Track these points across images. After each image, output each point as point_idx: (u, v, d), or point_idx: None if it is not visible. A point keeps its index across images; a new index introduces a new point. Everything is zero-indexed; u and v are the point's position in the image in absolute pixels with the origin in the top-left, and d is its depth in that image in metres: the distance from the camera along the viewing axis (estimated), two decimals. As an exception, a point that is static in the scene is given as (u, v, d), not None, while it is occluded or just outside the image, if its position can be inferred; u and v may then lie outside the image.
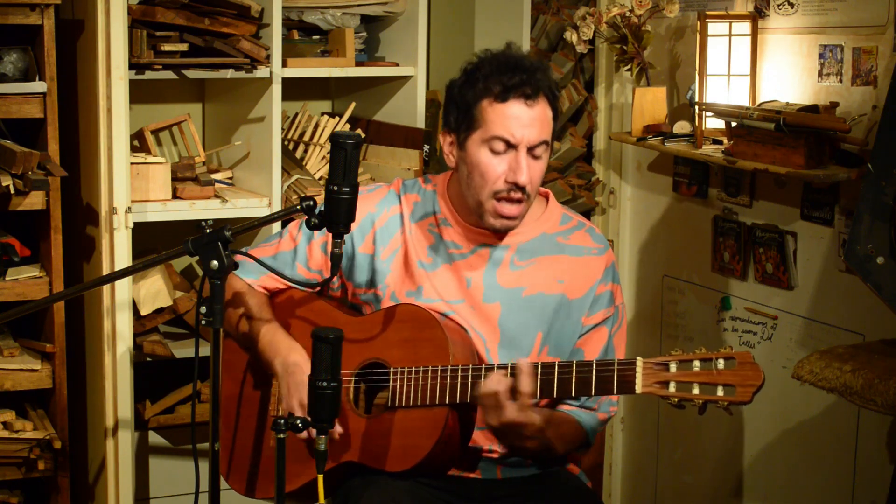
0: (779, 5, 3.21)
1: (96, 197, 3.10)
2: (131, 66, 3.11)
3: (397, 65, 3.58)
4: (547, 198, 2.62)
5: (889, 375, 2.58)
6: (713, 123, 3.32)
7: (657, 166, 3.71)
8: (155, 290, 3.34)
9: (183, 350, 3.38)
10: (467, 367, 2.39)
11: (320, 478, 2.23)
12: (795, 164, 2.97)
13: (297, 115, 3.73)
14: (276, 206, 3.33)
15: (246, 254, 2.47)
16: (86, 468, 3.38)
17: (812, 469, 3.23)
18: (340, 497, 2.50)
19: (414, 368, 2.42)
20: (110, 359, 3.12)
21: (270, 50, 3.29)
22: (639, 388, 2.28)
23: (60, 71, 3.12)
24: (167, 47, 3.19)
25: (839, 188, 3.07)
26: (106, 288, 3.10)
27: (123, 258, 3.09)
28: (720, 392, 2.21)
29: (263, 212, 3.32)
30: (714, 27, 3.24)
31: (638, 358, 2.29)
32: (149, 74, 3.20)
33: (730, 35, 3.25)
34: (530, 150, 2.43)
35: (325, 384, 2.20)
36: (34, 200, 3.08)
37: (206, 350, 2.28)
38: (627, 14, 3.47)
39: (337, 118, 3.64)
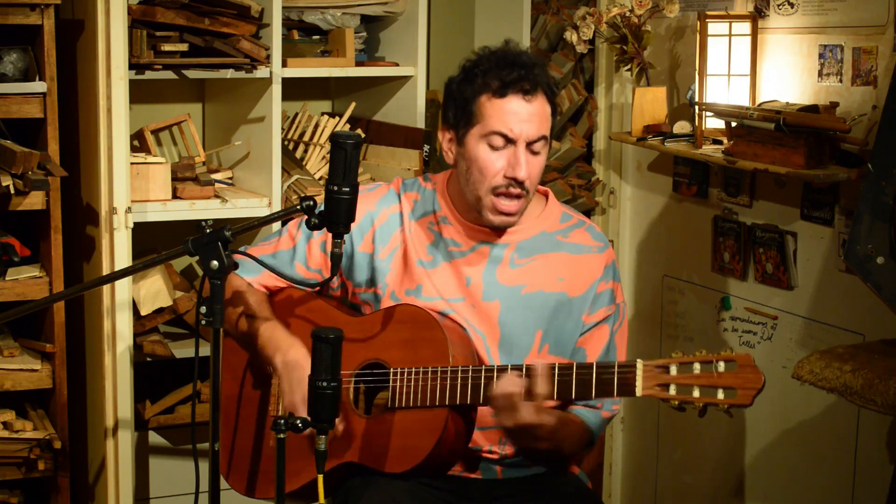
0: (779, 5, 3.21)
1: (96, 197, 3.10)
2: (131, 66, 3.11)
3: (397, 65, 3.58)
4: (546, 196, 2.62)
5: (889, 375, 2.58)
6: (713, 123, 3.32)
7: (657, 166, 3.71)
8: (155, 290, 3.34)
9: (183, 350, 3.38)
10: (467, 367, 2.39)
11: (320, 478, 2.23)
12: (795, 164, 2.97)
13: (297, 115, 3.74)
14: (276, 206, 3.33)
15: (245, 253, 2.47)
16: (86, 468, 3.38)
17: (812, 469, 3.23)
18: (340, 497, 2.50)
19: (414, 369, 2.42)
20: (110, 359, 3.12)
21: (270, 50, 3.29)
22: (639, 391, 2.28)
23: (60, 71, 3.12)
24: (167, 47, 3.19)
25: (839, 188, 3.07)
26: (106, 288, 3.10)
27: (123, 258, 3.09)
28: (721, 395, 2.21)
29: (263, 212, 3.32)
30: (714, 27, 3.24)
31: (638, 360, 2.29)
32: (149, 74, 3.20)
33: (730, 35, 3.25)
34: (529, 145, 2.43)
35: (325, 384, 2.20)
36: (34, 200, 3.08)
37: (206, 350, 2.28)
38: (627, 14, 3.47)
39: (337, 118, 3.64)
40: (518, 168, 2.42)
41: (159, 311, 3.37)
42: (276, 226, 3.10)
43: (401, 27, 3.60)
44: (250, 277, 2.64)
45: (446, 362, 2.39)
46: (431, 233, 2.56)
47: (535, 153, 2.45)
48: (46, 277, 3.13)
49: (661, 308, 3.74)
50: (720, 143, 3.32)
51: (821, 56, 3.09)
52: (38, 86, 3.08)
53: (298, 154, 3.62)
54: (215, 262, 2.23)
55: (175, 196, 3.29)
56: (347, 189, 2.25)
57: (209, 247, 2.24)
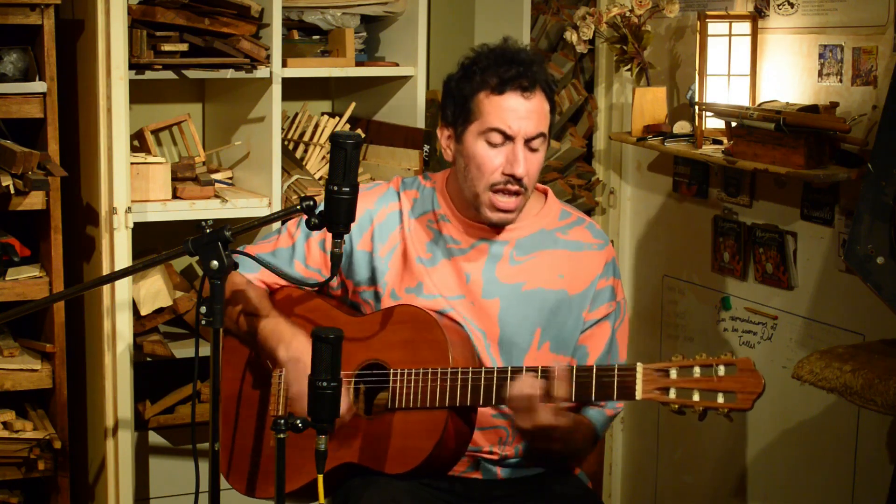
0: (779, 5, 3.21)
1: (96, 197, 3.10)
2: (131, 66, 3.11)
3: (397, 65, 3.59)
4: (546, 194, 2.62)
5: (889, 375, 2.58)
6: (713, 123, 3.32)
7: (657, 166, 3.71)
8: (155, 290, 3.34)
9: (183, 350, 3.38)
10: (467, 369, 2.39)
11: (320, 478, 2.23)
12: (795, 164, 2.97)
13: (297, 115, 3.73)
14: (276, 206, 3.33)
15: (244, 253, 2.47)
16: (86, 468, 3.38)
17: (812, 469, 3.23)
18: (340, 497, 2.50)
19: (414, 370, 2.42)
20: (110, 359, 3.12)
21: (270, 50, 3.29)
22: (639, 395, 2.28)
23: (60, 71, 3.12)
24: (167, 47, 3.19)
25: (839, 188, 3.07)
26: (106, 288, 3.10)
27: (123, 258, 3.09)
28: (721, 399, 2.21)
29: (263, 212, 3.32)
30: (714, 27, 3.24)
31: (638, 364, 2.29)
32: (149, 74, 3.20)
33: (730, 35, 3.25)
34: (527, 142, 2.43)
35: (325, 384, 2.20)
36: (34, 200, 3.08)
37: (206, 350, 2.27)
38: (627, 14, 3.47)
39: (337, 118, 3.64)
40: (516, 165, 2.42)
41: (159, 311, 3.37)
42: (276, 225, 3.10)
43: (401, 27, 3.60)
44: (250, 274, 2.64)
45: (446, 363, 2.39)
46: (431, 230, 2.56)
47: (533, 150, 2.45)
48: (46, 277, 3.13)
49: (661, 308, 3.74)
50: (720, 143, 3.31)
51: (821, 56, 3.09)
52: (38, 86, 3.08)
53: (298, 154, 3.62)
54: (215, 262, 2.23)
55: (175, 196, 3.29)
56: (347, 189, 2.25)
57: (209, 247, 2.24)
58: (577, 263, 2.54)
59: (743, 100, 3.25)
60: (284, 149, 3.52)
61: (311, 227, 2.27)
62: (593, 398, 2.33)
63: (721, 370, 2.22)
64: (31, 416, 3.20)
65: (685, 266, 3.64)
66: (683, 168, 3.58)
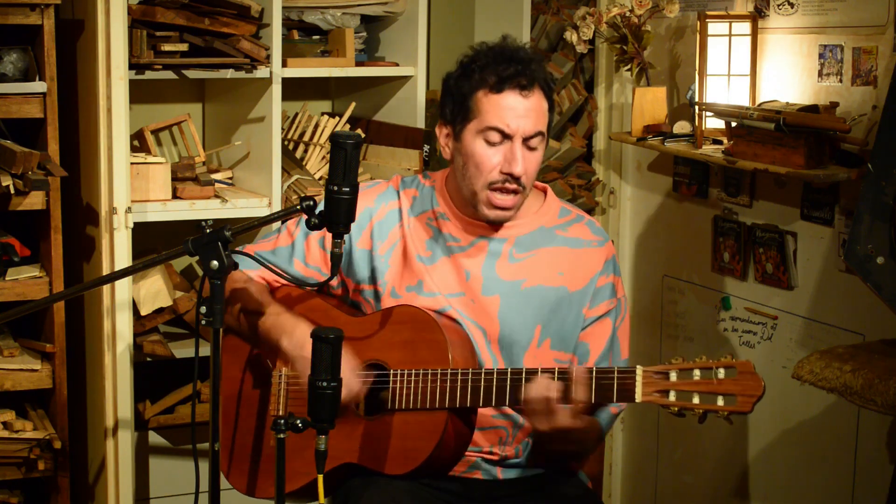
0: (779, 5, 3.21)
1: (96, 197, 3.10)
2: (131, 66, 3.11)
3: (397, 65, 3.59)
4: (545, 192, 2.62)
5: (889, 375, 2.58)
6: (713, 123, 3.32)
7: (657, 166, 3.71)
8: (155, 290, 3.34)
9: (183, 350, 3.38)
10: (467, 370, 2.39)
11: (320, 478, 2.23)
12: (795, 164, 2.97)
13: (297, 115, 3.73)
14: (276, 206, 3.33)
15: (244, 252, 2.47)
16: (86, 468, 3.38)
17: (812, 469, 3.23)
18: (340, 497, 2.50)
19: (414, 371, 2.41)
20: (110, 359, 3.12)
21: (270, 50, 3.29)
22: (638, 397, 2.28)
23: (60, 71, 3.12)
24: (167, 47, 3.19)
25: (839, 188, 3.07)
26: (106, 288, 3.10)
27: (123, 258, 3.09)
28: (720, 402, 2.21)
29: (263, 212, 3.32)
30: (714, 27, 3.24)
31: (638, 366, 2.29)
32: (149, 74, 3.20)
33: (730, 35, 3.25)
34: (525, 140, 2.43)
35: (325, 384, 2.20)
36: (34, 200, 3.08)
37: (206, 350, 2.27)
38: (627, 14, 3.47)
39: (337, 118, 3.64)
40: (514, 163, 2.42)
41: (159, 311, 3.37)
42: (277, 225, 3.10)
43: (401, 27, 3.60)
44: (251, 271, 2.63)
45: (446, 364, 2.39)
46: (430, 229, 2.56)
47: (531, 149, 2.45)
48: (46, 277, 3.13)
49: (661, 308, 3.74)
50: (720, 143, 3.31)
51: (821, 56, 3.09)
52: (38, 86, 3.08)
53: (298, 154, 3.62)
54: (215, 262, 2.23)
55: (175, 196, 3.29)
56: (347, 189, 2.25)
57: (209, 247, 2.24)
58: (577, 260, 2.54)
59: (743, 100, 3.25)
60: (284, 149, 3.52)
61: (311, 227, 2.27)
62: (593, 400, 2.33)
63: (721, 373, 2.22)
64: (31, 416, 3.20)
65: (685, 266, 3.64)
66: (683, 168, 3.58)
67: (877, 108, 2.92)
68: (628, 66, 3.54)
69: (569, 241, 2.56)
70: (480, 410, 2.46)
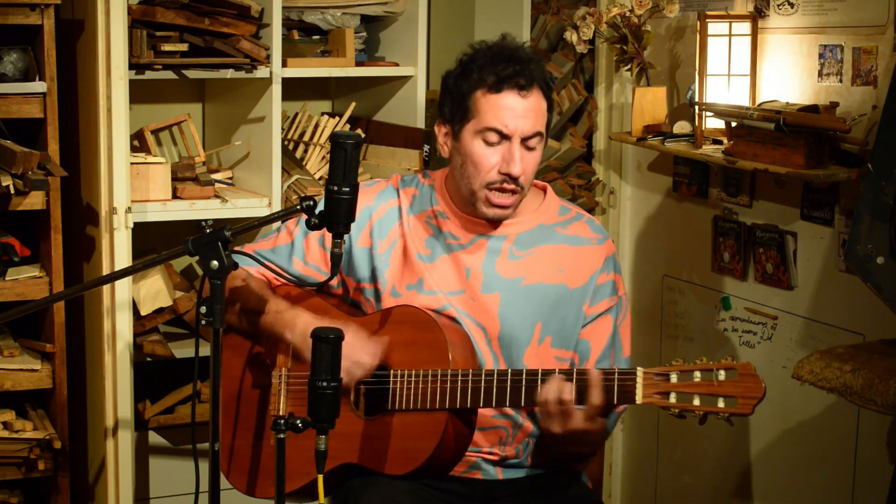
0: (779, 5, 3.21)
1: (96, 197, 3.10)
2: (131, 66, 3.11)
3: (397, 65, 3.59)
4: (545, 191, 2.62)
5: (889, 375, 2.58)
6: (713, 123, 3.32)
7: (657, 166, 3.71)
8: (155, 290, 3.34)
9: (183, 350, 3.38)
10: (468, 371, 2.39)
11: (320, 478, 2.23)
12: (795, 164, 2.97)
13: (297, 115, 3.73)
14: (276, 206, 3.33)
15: (244, 252, 2.47)
16: (86, 468, 3.38)
17: (812, 469, 3.23)
18: (340, 497, 2.50)
19: (414, 372, 2.41)
20: (110, 359, 3.12)
21: (270, 50, 3.29)
22: (639, 399, 2.28)
23: (60, 71, 3.12)
24: (167, 47, 3.19)
25: (839, 188, 3.07)
26: (106, 288, 3.10)
27: (123, 258, 3.09)
28: (721, 403, 2.21)
29: (263, 212, 3.32)
30: (714, 27, 3.24)
31: (638, 368, 2.29)
32: (149, 74, 3.20)
33: (730, 35, 3.25)
34: (524, 141, 2.43)
35: (325, 384, 2.20)
36: (34, 200, 3.08)
37: (206, 350, 2.28)
38: (627, 14, 3.47)
39: (337, 118, 3.64)
40: (512, 164, 2.42)
41: (159, 311, 3.37)
42: (277, 225, 3.10)
43: (401, 27, 3.60)
44: (251, 268, 2.63)
45: (446, 364, 2.39)
46: (430, 227, 2.56)
47: (530, 149, 2.45)
48: (46, 277, 3.13)
49: (661, 308, 3.74)
50: (720, 143, 3.32)
51: (821, 56, 3.09)
52: (38, 86, 3.08)
53: (298, 154, 3.62)
54: (215, 262, 2.23)
55: (175, 196, 3.29)
56: (347, 189, 2.25)
57: (209, 247, 2.24)
58: (577, 258, 2.54)
59: (743, 100, 3.25)
60: (284, 149, 3.52)
61: (311, 227, 2.27)
62: (583, 403, 2.33)
63: (721, 374, 2.22)
64: (31, 416, 3.20)
65: (685, 266, 3.64)
66: (683, 168, 3.58)
67: (877, 108, 2.92)
68: (628, 66, 3.54)
69: (569, 238, 2.56)
70: (480, 410, 2.46)
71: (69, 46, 3.26)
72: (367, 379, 2.45)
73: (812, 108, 2.99)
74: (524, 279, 2.52)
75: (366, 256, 2.57)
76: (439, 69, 3.63)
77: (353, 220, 2.27)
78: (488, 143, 2.44)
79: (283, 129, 3.59)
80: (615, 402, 2.31)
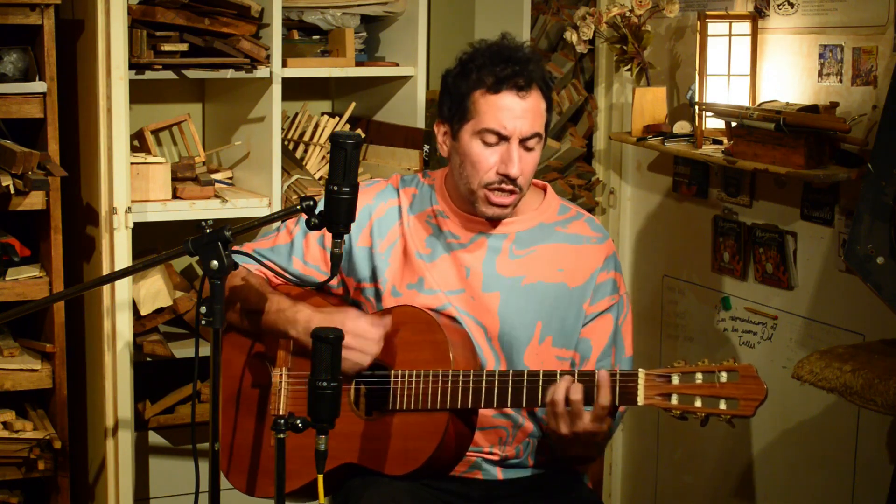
0: (779, 5, 3.21)
1: (96, 197, 3.10)
2: (131, 66, 3.11)
3: (397, 65, 3.59)
4: (545, 190, 2.62)
5: (889, 375, 2.58)
6: (713, 123, 3.32)
7: (657, 166, 3.71)
8: (155, 290, 3.34)
9: (183, 350, 3.38)
10: (469, 371, 2.39)
11: (320, 478, 2.23)
12: (795, 164, 2.97)
13: (297, 115, 3.73)
14: (276, 206, 3.33)
15: (244, 252, 2.47)
16: (86, 468, 3.38)
17: (812, 469, 3.23)
18: (340, 497, 2.50)
19: (415, 372, 2.41)
20: (110, 359, 3.12)
21: (270, 50, 3.29)
22: (641, 401, 2.28)
23: (60, 71, 3.12)
24: (167, 47, 3.19)
25: (839, 188, 3.07)
26: (106, 288, 3.10)
27: (123, 258, 3.09)
28: (723, 405, 2.21)
29: (263, 212, 3.32)
30: (714, 27, 3.24)
31: (640, 370, 2.29)
32: (149, 74, 3.20)
33: (730, 35, 3.25)
34: (522, 141, 2.43)
35: (325, 384, 2.20)
36: (34, 200, 3.08)
37: (206, 350, 2.28)
38: (627, 14, 3.47)
39: (337, 118, 3.64)
40: (511, 165, 2.42)
41: (159, 311, 3.37)
42: (276, 225, 3.10)
43: (401, 27, 3.60)
44: (251, 266, 2.63)
45: (447, 364, 2.39)
46: (430, 226, 2.56)
47: (528, 149, 2.45)
48: (46, 277, 3.13)
49: (661, 308, 3.74)
50: (720, 143, 3.32)
51: (821, 56, 3.09)
52: (38, 86, 3.08)
53: (298, 154, 3.62)
54: (215, 262, 2.24)
55: (175, 196, 3.29)
56: (347, 189, 2.25)
57: (209, 247, 2.24)
58: (577, 257, 2.54)
59: (743, 100, 3.25)
60: (284, 149, 3.52)
61: (311, 227, 2.28)
62: (592, 403, 2.33)
63: (723, 376, 2.22)
64: (31, 416, 3.20)
65: (685, 266, 3.64)
66: (683, 168, 3.58)
67: (877, 108, 2.92)
68: (628, 66, 3.54)
69: (569, 237, 2.56)
70: (480, 410, 2.46)
71: (69, 46, 3.26)
72: (370, 367, 2.45)
73: (812, 108, 2.99)
74: (524, 278, 2.51)
75: (366, 256, 2.57)
76: (439, 69, 3.63)
77: (353, 220, 2.27)
78: (487, 144, 2.44)
79: (283, 129, 3.59)
80: (617, 403, 2.31)
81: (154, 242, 3.52)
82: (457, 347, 2.42)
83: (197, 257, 2.25)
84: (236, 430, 2.61)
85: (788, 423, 3.29)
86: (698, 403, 2.23)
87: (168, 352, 3.34)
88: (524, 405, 2.39)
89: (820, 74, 3.10)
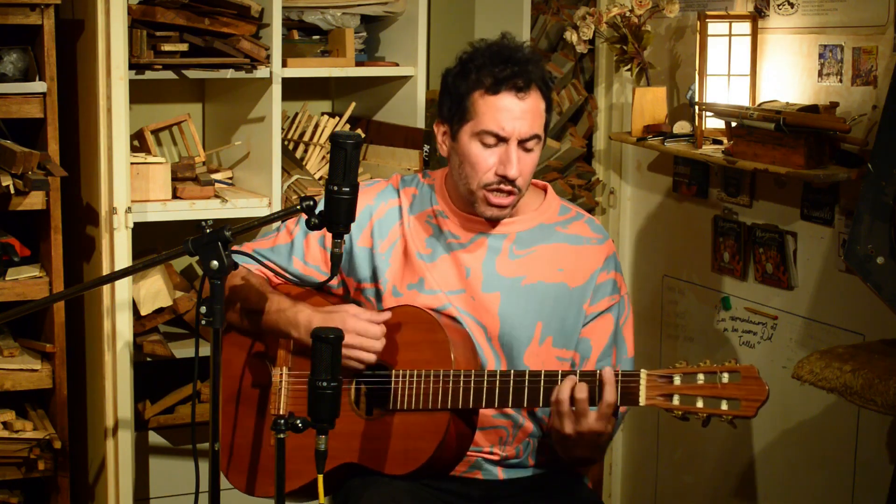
0: (779, 5, 3.21)
1: (96, 197, 3.10)
2: (131, 66, 3.11)
3: (397, 65, 3.59)
4: (545, 190, 2.62)
5: (889, 375, 2.58)
6: (713, 123, 3.32)
7: (657, 166, 3.71)
8: (155, 290, 3.34)
9: (183, 350, 3.38)
10: (470, 371, 2.39)
11: (320, 478, 2.23)
12: (795, 164, 2.97)
13: (297, 115, 3.73)
14: (276, 206, 3.33)
15: (244, 252, 2.47)
16: (86, 468, 3.38)
17: (812, 469, 3.23)
18: (340, 497, 2.50)
19: (416, 371, 2.41)
20: (110, 359, 3.12)
21: (270, 50, 3.29)
22: (642, 401, 2.28)
23: (60, 71, 3.12)
24: (167, 47, 3.19)
25: (839, 188, 3.07)
26: (106, 288, 3.10)
27: (123, 258, 3.09)
28: (724, 406, 2.21)
29: (263, 212, 3.32)
30: (714, 27, 3.24)
31: (642, 370, 2.29)
32: (149, 74, 3.20)
33: (730, 35, 3.25)
34: (521, 143, 2.43)
35: (325, 384, 2.20)
36: (34, 200, 3.08)
37: (206, 350, 2.28)
38: (627, 14, 3.47)
39: (337, 118, 3.64)
40: (509, 166, 2.42)
41: (159, 311, 3.37)
42: (276, 225, 3.10)
43: (401, 27, 3.60)
44: (251, 265, 2.63)
45: (448, 364, 2.39)
46: (430, 226, 2.56)
47: (527, 150, 2.45)
48: (46, 277, 3.13)
49: (661, 308, 3.74)
50: (720, 143, 3.32)
51: (821, 56, 3.09)
52: (38, 86, 3.08)
53: (298, 154, 3.62)
54: (215, 262, 2.24)
55: (175, 196, 3.29)
56: (347, 189, 2.25)
57: (209, 247, 2.24)
58: (577, 257, 2.54)
59: (743, 100, 3.25)
60: (284, 149, 3.52)
61: (311, 227, 2.28)
62: (597, 403, 2.32)
63: (725, 377, 2.22)
64: (31, 416, 3.20)
65: (685, 266, 3.64)
66: (683, 168, 3.58)
67: (877, 108, 2.92)
68: (628, 66, 3.54)
69: (569, 238, 2.56)
70: (482, 411, 2.46)
71: (69, 46, 3.26)
72: (372, 364, 2.45)
73: (812, 108, 2.99)
74: (524, 278, 2.51)
75: (366, 256, 2.57)
76: (439, 69, 3.63)
77: (353, 220, 2.27)
78: (485, 145, 2.44)
79: (283, 129, 3.59)
80: (619, 403, 2.31)
81: (154, 242, 3.52)
82: (458, 347, 2.42)
83: (197, 257, 2.25)
84: (236, 429, 2.61)
85: (788, 423, 3.29)
86: (700, 404, 2.23)
87: (168, 352, 3.34)
88: (525, 405, 2.39)
89: (820, 74, 3.10)
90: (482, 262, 2.52)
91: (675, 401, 2.25)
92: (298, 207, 2.28)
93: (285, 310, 2.52)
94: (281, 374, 2.54)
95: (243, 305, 2.58)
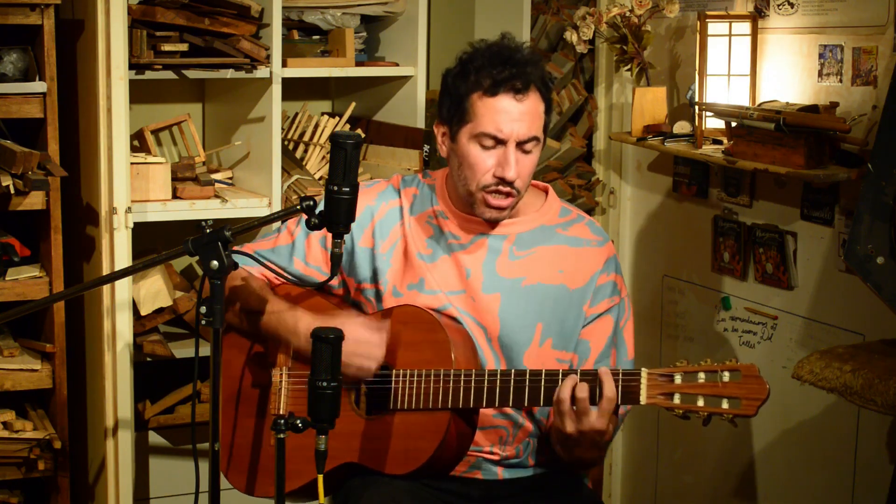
0: (779, 5, 3.21)
1: (96, 197, 3.10)
2: (131, 66, 3.11)
3: (397, 65, 3.59)
4: (546, 192, 2.62)
5: (889, 375, 2.58)
6: (713, 123, 3.32)
7: (657, 166, 3.71)
8: (155, 290, 3.34)
9: (183, 350, 3.38)
10: (470, 371, 2.39)
11: (320, 478, 2.23)
12: (795, 164, 2.97)
13: (297, 115, 3.74)
14: (276, 206, 3.33)
15: (244, 252, 2.47)
16: (86, 468, 3.38)
17: (812, 469, 3.23)
18: (340, 497, 2.50)
19: (416, 371, 2.41)
20: (110, 359, 3.12)
21: (270, 50, 3.29)
22: (643, 400, 2.28)
23: (60, 71, 3.12)
24: (167, 47, 3.19)
25: (839, 188, 3.07)
26: (106, 288, 3.10)
27: (123, 258, 3.09)
28: (725, 405, 2.22)
29: (263, 212, 3.33)
30: (714, 27, 3.25)
31: (643, 369, 2.29)
32: (149, 74, 3.20)
33: (730, 35, 3.25)
34: (520, 144, 2.43)
35: (325, 384, 2.20)
36: (34, 200, 3.08)
37: (206, 350, 2.28)
38: (627, 14, 3.47)
39: (337, 118, 3.64)
40: (507, 168, 2.42)
41: (159, 311, 3.37)
42: (277, 225, 3.10)
43: (401, 27, 3.60)
44: (251, 267, 2.63)
45: (449, 364, 2.39)
46: (431, 227, 2.56)
47: (526, 152, 2.44)
48: (46, 277, 3.13)
49: (661, 308, 3.74)
50: (720, 143, 3.32)
51: (821, 56, 3.09)
52: (38, 86, 3.08)
53: (298, 154, 3.62)
54: (215, 262, 2.24)
55: (175, 196, 3.29)
56: (347, 189, 2.25)
57: (209, 247, 2.24)
58: (577, 259, 2.54)
59: (743, 100, 3.25)
60: (284, 149, 3.52)
61: (311, 227, 2.28)
62: (598, 402, 2.32)
63: (726, 376, 2.22)
64: (31, 416, 3.20)
65: (685, 266, 3.64)
66: (683, 168, 3.58)
67: (877, 108, 2.92)
68: (628, 66, 3.54)
69: (569, 239, 2.56)
70: (482, 411, 2.46)
71: (69, 46, 3.26)
72: (375, 373, 2.45)
73: (812, 108, 2.99)
74: (524, 279, 2.51)
75: (367, 257, 2.57)
76: (439, 69, 3.63)
77: (353, 220, 2.27)
78: (484, 147, 2.43)
79: (283, 129, 3.59)
80: (620, 402, 2.31)
81: (154, 242, 3.52)
82: (458, 347, 2.42)
83: (197, 257, 2.25)
84: (236, 429, 2.61)
85: (788, 423, 3.29)
86: (701, 403, 2.23)
87: (168, 352, 3.34)
88: (525, 405, 2.39)
89: (820, 74, 3.10)
90: (482, 263, 2.52)
91: (676, 399, 2.25)
92: (298, 207, 2.28)
93: (283, 312, 2.52)
94: (281, 375, 2.55)
95: (243, 307, 2.58)
